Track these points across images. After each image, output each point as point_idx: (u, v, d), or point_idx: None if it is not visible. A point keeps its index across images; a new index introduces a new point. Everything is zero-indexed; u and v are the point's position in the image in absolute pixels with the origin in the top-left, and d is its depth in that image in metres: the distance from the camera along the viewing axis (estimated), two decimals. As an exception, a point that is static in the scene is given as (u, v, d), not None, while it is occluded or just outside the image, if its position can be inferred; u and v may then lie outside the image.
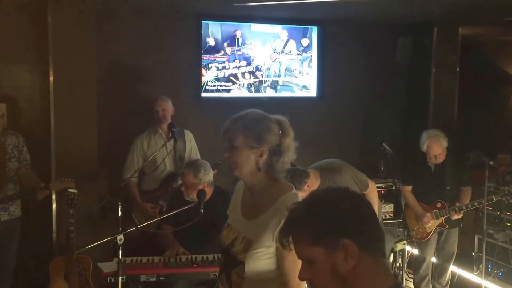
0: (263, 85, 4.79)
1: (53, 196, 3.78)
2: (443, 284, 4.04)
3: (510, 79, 6.20)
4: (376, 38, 5.14)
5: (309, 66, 4.94)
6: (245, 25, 4.65)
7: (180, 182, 3.75)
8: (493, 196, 3.69)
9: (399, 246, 3.71)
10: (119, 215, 3.24)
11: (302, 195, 1.66)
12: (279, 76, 4.84)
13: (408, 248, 4.15)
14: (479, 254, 4.05)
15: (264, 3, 3.87)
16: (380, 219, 3.85)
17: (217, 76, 4.60)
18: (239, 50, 4.64)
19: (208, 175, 3.14)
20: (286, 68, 4.86)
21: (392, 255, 4.02)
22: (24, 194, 3.40)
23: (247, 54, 4.68)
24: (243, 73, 4.69)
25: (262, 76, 4.77)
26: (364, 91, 5.16)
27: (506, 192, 3.72)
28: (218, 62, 4.58)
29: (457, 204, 3.81)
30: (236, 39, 4.62)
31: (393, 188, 4.29)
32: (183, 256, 2.98)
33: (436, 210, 3.85)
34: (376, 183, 3.86)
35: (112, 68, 4.27)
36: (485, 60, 6.16)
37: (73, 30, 3.76)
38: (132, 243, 3.15)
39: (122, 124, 4.25)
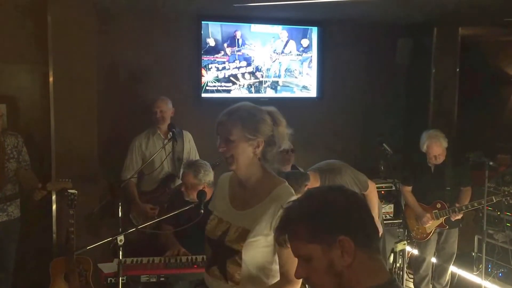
0: (263, 85, 4.79)
1: (53, 197, 3.78)
2: (443, 284, 4.04)
3: (509, 79, 6.20)
4: (376, 39, 5.14)
5: (309, 67, 4.94)
6: (245, 25, 4.65)
7: (178, 183, 3.76)
8: (493, 197, 3.70)
9: (399, 247, 3.72)
10: (119, 215, 3.24)
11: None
12: (279, 76, 4.84)
13: (408, 248, 4.15)
14: (479, 254, 4.05)
15: (264, 4, 3.87)
16: (380, 220, 3.85)
17: (217, 76, 4.60)
18: (239, 50, 4.64)
19: (208, 176, 3.14)
20: (286, 69, 4.86)
21: (392, 255, 4.02)
22: (24, 195, 3.40)
23: (247, 55, 4.68)
24: (243, 74, 4.69)
25: (262, 76, 4.77)
26: (364, 91, 5.17)
27: (506, 192, 3.72)
28: (218, 62, 4.58)
29: (457, 204, 3.81)
30: (236, 40, 4.62)
31: (393, 188, 4.29)
32: (183, 257, 2.98)
33: (436, 211, 3.85)
34: (376, 184, 3.87)
35: (112, 68, 4.27)
36: (485, 60, 6.17)
37: (73, 30, 3.76)
38: (132, 243, 3.16)
39: (122, 125, 4.25)
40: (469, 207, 3.77)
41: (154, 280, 2.79)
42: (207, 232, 1.89)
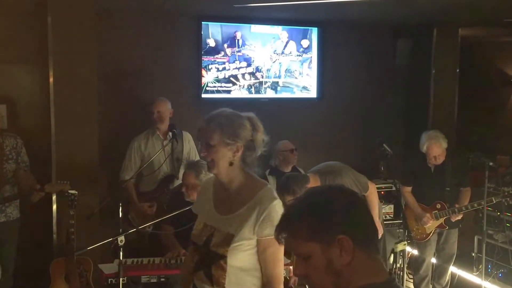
0: (263, 86, 4.79)
1: (54, 197, 3.77)
2: (443, 285, 4.04)
3: (509, 80, 6.20)
4: (376, 39, 5.14)
5: (309, 67, 4.94)
6: (245, 26, 4.65)
7: (177, 183, 3.76)
8: (493, 198, 3.70)
9: (400, 247, 3.71)
10: (120, 216, 3.24)
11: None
12: (279, 77, 4.84)
13: (408, 248, 4.15)
14: (479, 254, 4.05)
15: (264, 4, 3.87)
16: (380, 220, 3.85)
17: (217, 77, 4.60)
18: (239, 51, 4.65)
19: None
20: (286, 69, 4.86)
21: (392, 255, 4.02)
22: (23, 196, 3.39)
23: (247, 55, 4.68)
24: (243, 74, 4.69)
25: (262, 77, 4.77)
26: (364, 92, 5.17)
27: (506, 193, 3.72)
28: (218, 63, 4.58)
29: (457, 205, 3.82)
30: (236, 40, 4.63)
31: (393, 188, 4.29)
32: (183, 257, 2.98)
33: (436, 211, 3.86)
34: (376, 184, 3.87)
35: (113, 69, 4.27)
36: (484, 61, 6.18)
37: (73, 30, 3.76)
38: (132, 244, 3.16)
39: (123, 125, 4.25)
40: (469, 208, 3.78)
41: (155, 280, 2.80)
42: (193, 237, 1.92)
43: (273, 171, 4.13)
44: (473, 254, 4.24)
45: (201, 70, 4.52)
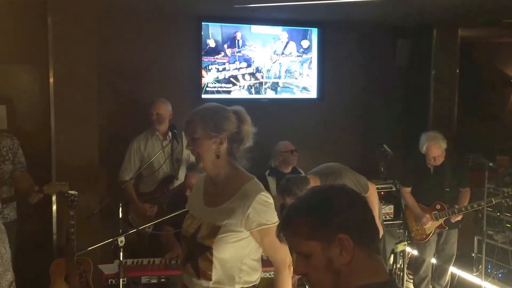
0: (263, 86, 4.79)
1: (53, 198, 3.77)
2: (443, 285, 4.04)
3: (509, 80, 6.22)
4: (376, 40, 5.15)
5: (309, 68, 4.94)
6: (245, 26, 4.66)
7: (176, 184, 3.76)
8: (492, 199, 3.70)
9: (400, 247, 3.71)
10: (120, 216, 3.24)
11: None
12: (279, 77, 4.84)
13: (408, 249, 4.15)
14: (479, 255, 4.05)
15: (264, 5, 3.87)
16: (380, 221, 3.85)
17: (217, 77, 4.60)
18: (239, 51, 4.65)
19: None
20: (286, 70, 4.86)
21: (392, 256, 4.02)
22: (20, 197, 3.37)
23: (248, 56, 4.68)
24: (243, 75, 4.69)
25: (263, 77, 4.77)
26: (364, 92, 5.17)
27: (506, 194, 3.72)
28: (218, 63, 4.58)
29: (456, 206, 3.82)
30: (236, 41, 4.63)
31: (393, 189, 4.29)
32: (184, 258, 2.97)
33: (436, 212, 3.86)
34: (376, 184, 3.87)
35: (113, 69, 4.27)
36: (484, 61, 6.18)
37: (73, 30, 3.76)
38: (132, 245, 3.16)
39: (122, 126, 4.25)
40: (469, 208, 3.78)
41: (155, 281, 2.80)
42: (182, 230, 1.94)
43: (272, 171, 4.13)
44: (473, 255, 4.24)
45: (201, 71, 4.52)
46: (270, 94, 4.81)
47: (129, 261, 2.93)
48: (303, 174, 3.97)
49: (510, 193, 3.72)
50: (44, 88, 3.84)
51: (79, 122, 3.83)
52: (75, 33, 3.76)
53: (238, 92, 4.68)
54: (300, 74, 4.92)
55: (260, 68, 4.75)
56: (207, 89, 4.57)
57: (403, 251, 3.91)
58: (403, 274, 3.91)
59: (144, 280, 2.79)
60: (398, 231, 4.33)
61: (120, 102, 4.28)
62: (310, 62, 4.94)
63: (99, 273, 2.89)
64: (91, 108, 3.90)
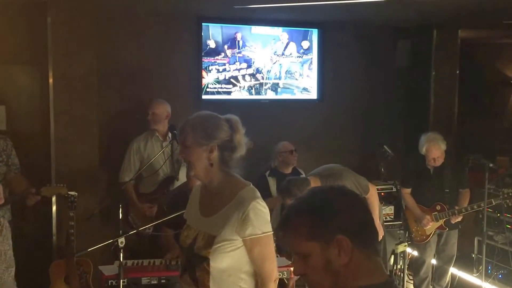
0: (264, 87, 4.79)
1: (53, 199, 3.76)
2: (443, 286, 4.04)
3: (509, 81, 6.22)
4: (376, 41, 5.14)
5: (309, 69, 4.94)
6: (245, 27, 4.65)
7: (176, 184, 3.75)
8: (492, 200, 3.71)
9: (400, 248, 3.72)
10: (120, 217, 3.24)
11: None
12: (279, 78, 4.84)
13: (409, 250, 4.15)
14: (479, 256, 4.05)
15: (264, 6, 3.87)
16: (381, 222, 3.85)
17: (217, 78, 4.59)
18: (239, 52, 4.64)
19: None
20: (287, 71, 4.86)
21: (392, 257, 4.02)
22: (15, 200, 3.34)
23: (248, 57, 4.68)
24: (243, 76, 4.69)
25: (263, 78, 4.77)
26: (364, 93, 5.17)
27: (506, 195, 3.72)
28: (218, 64, 4.58)
29: (456, 207, 3.82)
30: (236, 42, 4.62)
31: (394, 190, 4.29)
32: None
33: (436, 213, 3.86)
34: (376, 185, 3.87)
35: (112, 69, 4.26)
36: (484, 62, 6.18)
37: (73, 31, 3.76)
38: (132, 245, 3.15)
39: (122, 126, 4.24)
40: (469, 209, 3.78)
41: (155, 282, 2.79)
42: (180, 241, 1.94)
43: (273, 172, 4.13)
44: (473, 256, 4.24)
45: (201, 71, 4.51)
46: (270, 95, 4.81)
47: (129, 262, 2.92)
48: (303, 175, 3.98)
49: (510, 194, 3.72)
50: (44, 89, 3.83)
51: (78, 123, 3.83)
52: (74, 33, 3.75)
53: (238, 93, 4.68)
54: (300, 75, 4.92)
55: (260, 69, 4.74)
56: (207, 90, 4.56)
57: (404, 252, 3.91)
58: (403, 275, 3.91)
59: (144, 281, 2.78)
60: (398, 232, 4.33)
61: (120, 103, 4.27)
62: (311, 63, 4.94)
63: (99, 274, 2.88)
64: (91, 108, 3.89)
